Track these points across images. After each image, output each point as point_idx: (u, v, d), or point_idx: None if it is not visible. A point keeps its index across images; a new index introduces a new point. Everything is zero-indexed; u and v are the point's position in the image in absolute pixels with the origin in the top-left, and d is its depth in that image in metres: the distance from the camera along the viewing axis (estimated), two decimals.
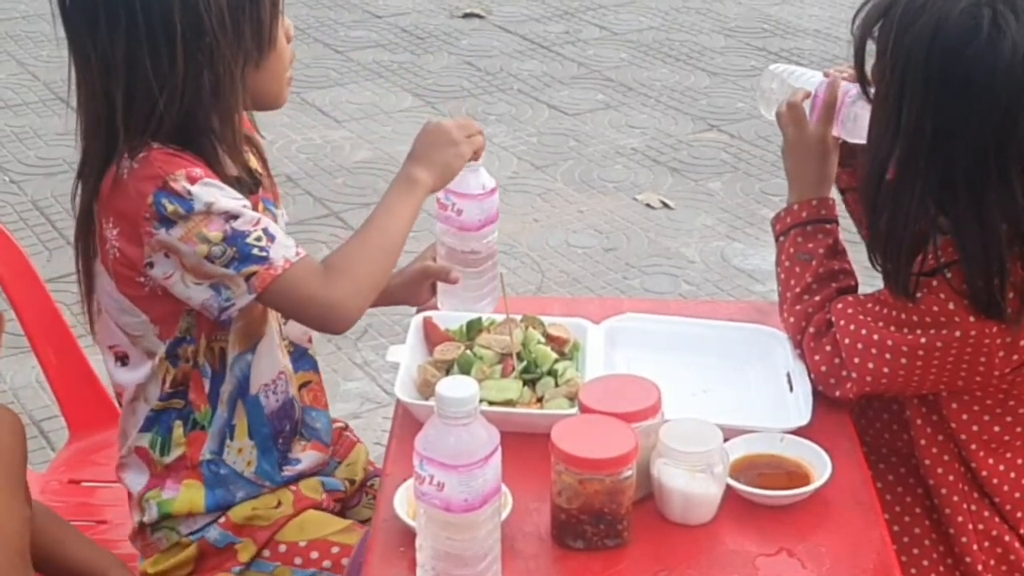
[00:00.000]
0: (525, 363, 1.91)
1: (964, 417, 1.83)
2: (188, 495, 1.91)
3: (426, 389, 1.88)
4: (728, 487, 1.68)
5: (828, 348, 1.87)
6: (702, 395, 1.93)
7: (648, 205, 4.48)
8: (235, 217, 1.73)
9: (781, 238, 1.98)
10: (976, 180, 1.69)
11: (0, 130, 5.00)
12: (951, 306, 1.74)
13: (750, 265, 4.09)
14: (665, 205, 4.47)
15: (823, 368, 1.87)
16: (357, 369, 3.54)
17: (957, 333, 1.74)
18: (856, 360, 1.82)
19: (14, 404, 3.34)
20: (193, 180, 1.72)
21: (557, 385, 1.88)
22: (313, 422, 2.02)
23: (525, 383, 1.89)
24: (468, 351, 1.93)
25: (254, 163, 1.93)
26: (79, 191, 1.87)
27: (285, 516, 1.93)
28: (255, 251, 1.73)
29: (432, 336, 1.99)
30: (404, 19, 6.26)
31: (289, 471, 1.97)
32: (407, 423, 1.85)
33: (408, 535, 1.61)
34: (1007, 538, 1.85)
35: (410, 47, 5.90)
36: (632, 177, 4.68)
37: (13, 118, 5.12)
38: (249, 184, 1.88)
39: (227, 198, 1.74)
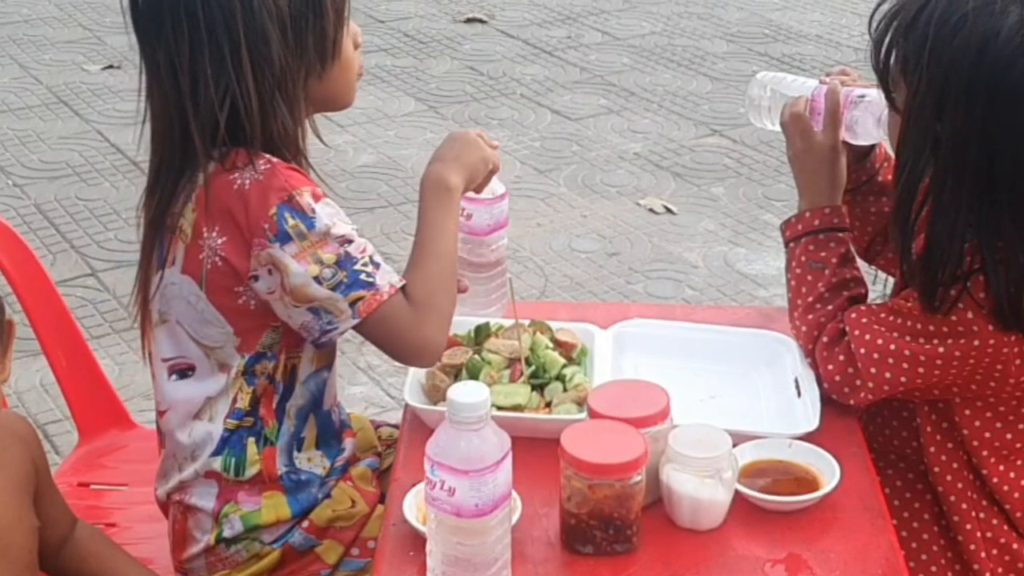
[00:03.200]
0: (533, 368, 1.91)
1: (976, 424, 1.83)
2: (272, 504, 1.89)
3: (435, 394, 1.88)
4: (737, 492, 1.68)
5: (841, 358, 1.86)
6: (710, 400, 1.93)
7: (651, 210, 4.48)
8: (349, 242, 1.74)
9: (791, 244, 1.97)
10: (1022, 195, 1.69)
11: (3, 133, 5.01)
12: (970, 315, 1.74)
13: (753, 270, 4.10)
14: (668, 210, 4.47)
15: (837, 377, 1.87)
16: (361, 374, 3.54)
17: (976, 343, 1.75)
18: (872, 370, 1.82)
19: (19, 408, 3.34)
20: (317, 198, 1.74)
21: (565, 390, 1.88)
22: (342, 416, 2.04)
23: (533, 388, 1.89)
24: (476, 356, 1.93)
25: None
26: (147, 200, 1.85)
27: (363, 514, 1.94)
28: (363, 276, 1.74)
29: None
30: (407, 24, 6.26)
31: (340, 460, 1.97)
32: (415, 428, 1.85)
33: (418, 540, 1.62)
34: (1015, 546, 1.85)
35: (413, 52, 5.91)
36: (635, 182, 4.68)
37: (16, 122, 5.12)
38: None
39: (343, 221, 1.76)
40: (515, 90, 5.50)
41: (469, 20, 6.30)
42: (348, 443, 2.00)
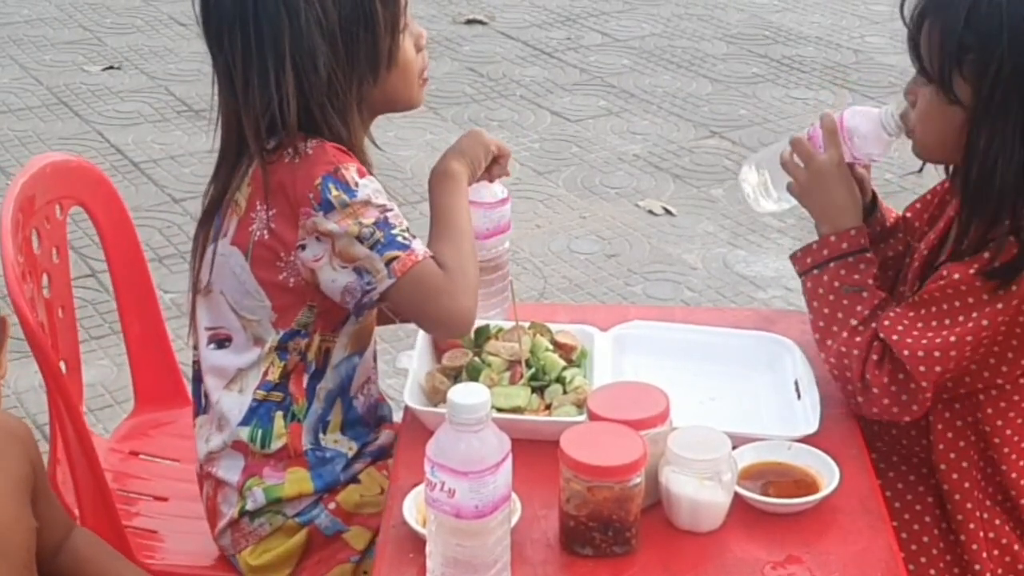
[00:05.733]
0: (533, 370, 1.91)
1: (998, 423, 1.84)
2: (295, 478, 1.95)
3: (434, 396, 1.89)
4: (736, 495, 1.69)
5: (891, 367, 1.81)
6: (710, 403, 1.94)
7: (650, 211, 4.48)
8: (389, 210, 1.83)
9: (815, 271, 1.90)
10: None
11: (3, 134, 5.00)
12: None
13: (752, 272, 4.10)
14: (667, 211, 4.48)
15: (893, 388, 1.81)
16: None
17: (999, 305, 1.76)
18: (922, 368, 1.78)
19: (17, 409, 3.34)
20: (362, 174, 1.83)
21: (565, 392, 1.88)
22: (379, 411, 2.09)
23: (533, 390, 1.89)
24: (476, 358, 1.94)
25: None
26: (209, 187, 1.96)
27: None
28: (399, 239, 1.81)
29: (440, 343, 1.99)
30: None
31: (373, 447, 2.02)
32: (415, 430, 1.85)
33: (417, 541, 1.62)
34: (1016, 547, 1.85)
35: None
36: (634, 183, 4.69)
37: (16, 122, 5.12)
38: None
39: (384, 197, 1.84)
40: (515, 91, 5.51)
41: (469, 21, 6.30)
42: (385, 434, 2.04)
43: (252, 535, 1.96)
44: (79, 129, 5.06)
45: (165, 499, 2.21)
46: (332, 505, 1.95)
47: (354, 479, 1.97)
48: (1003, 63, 1.69)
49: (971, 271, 1.78)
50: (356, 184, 1.81)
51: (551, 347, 1.96)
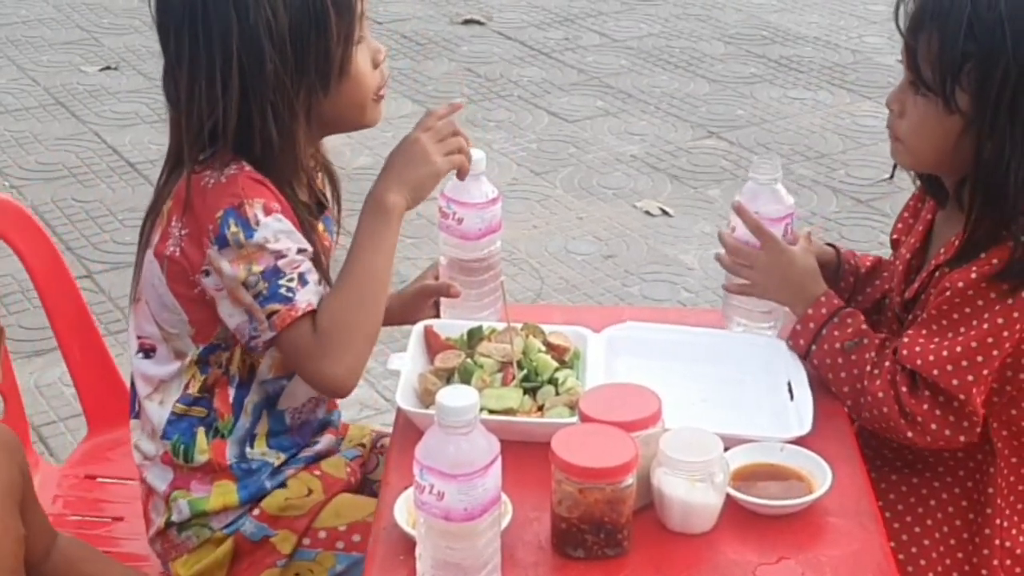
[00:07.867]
0: (525, 371, 1.91)
1: None
2: (220, 491, 1.94)
3: (427, 398, 1.88)
4: (728, 496, 1.68)
5: (928, 393, 1.80)
6: (702, 404, 1.93)
7: (647, 212, 4.48)
8: (283, 257, 1.79)
9: (813, 347, 1.90)
10: None
11: (0, 135, 5.00)
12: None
13: None
14: (664, 212, 4.47)
15: (937, 412, 1.79)
16: None
17: (1009, 301, 1.76)
18: (954, 382, 1.77)
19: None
20: (268, 212, 1.79)
21: (557, 394, 1.87)
22: (326, 419, 2.08)
23: (525, 392, 1.88)
24: (469, 359, 1.93)
25: (322, 186, 2.01)
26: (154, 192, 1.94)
27: (318, 503, 1.96)
28: (282, 291, 1.78)
29: (433, 344, 1.98)
30: (404, 25, 6.26)
31: (308, 452, 2.01)
32: (407, 432, 1.85)
33: (408, 544, 1.61)
34: None
35: (410, 53, 5.90)
36: (631, 184, 4.68)
37: (13, 123, 5.11)
38: (314, 210, 1.94)
39: (287, 239, 1.79)
40: (512, 92, 5.50)
41: (467, 22, 6.30)
42: (325, 439, 2.04)
43: (180, 547, 1.96)
44: (76, 130, 5.06)
45: (121, 519, 2.19)
46: (256, 511, 1.94)
47: (281, 484, 1.96)
48: (1009, 69, 1.70)
49: (973, 276, 1.78)
50: (257, 223, 1.77)
51: (544, 348, 1.95)
